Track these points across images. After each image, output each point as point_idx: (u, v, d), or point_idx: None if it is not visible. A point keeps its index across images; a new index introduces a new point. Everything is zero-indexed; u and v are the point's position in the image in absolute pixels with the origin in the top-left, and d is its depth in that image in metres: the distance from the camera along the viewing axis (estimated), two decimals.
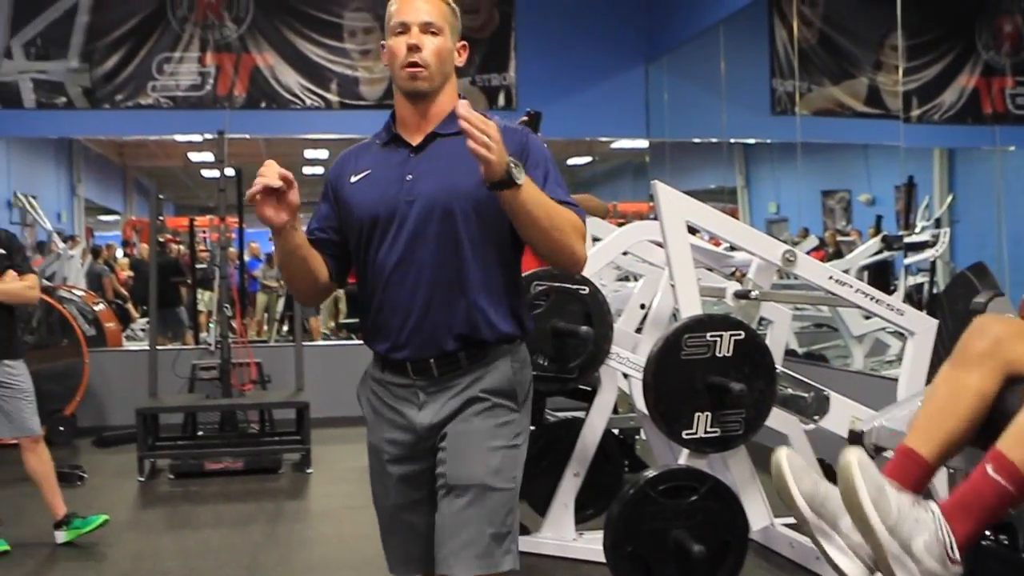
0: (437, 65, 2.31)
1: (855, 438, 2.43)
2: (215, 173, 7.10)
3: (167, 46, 8.57)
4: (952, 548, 1.88)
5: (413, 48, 2.29)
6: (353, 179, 2.36)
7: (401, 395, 2.34)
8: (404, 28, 2.31)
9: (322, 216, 2.42)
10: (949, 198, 7.03)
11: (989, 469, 1.88)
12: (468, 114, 1.98)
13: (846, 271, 5.28)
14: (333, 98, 8.79)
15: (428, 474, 2.32)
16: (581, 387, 4.71)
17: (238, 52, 8.65)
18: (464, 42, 2.42)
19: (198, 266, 8.89)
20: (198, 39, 8.61)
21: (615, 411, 4.73)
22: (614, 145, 9.94)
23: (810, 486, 2.01)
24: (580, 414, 4.69)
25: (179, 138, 9.53)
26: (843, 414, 3.71)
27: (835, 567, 2.01)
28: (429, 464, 2.31)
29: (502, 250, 2.31)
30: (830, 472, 2.15)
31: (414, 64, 2.29)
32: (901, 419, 2.36)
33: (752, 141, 8.91)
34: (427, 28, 2.31)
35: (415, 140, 2.35)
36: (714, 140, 8.79)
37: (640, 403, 4.09)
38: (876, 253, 6.93)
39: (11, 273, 4.74)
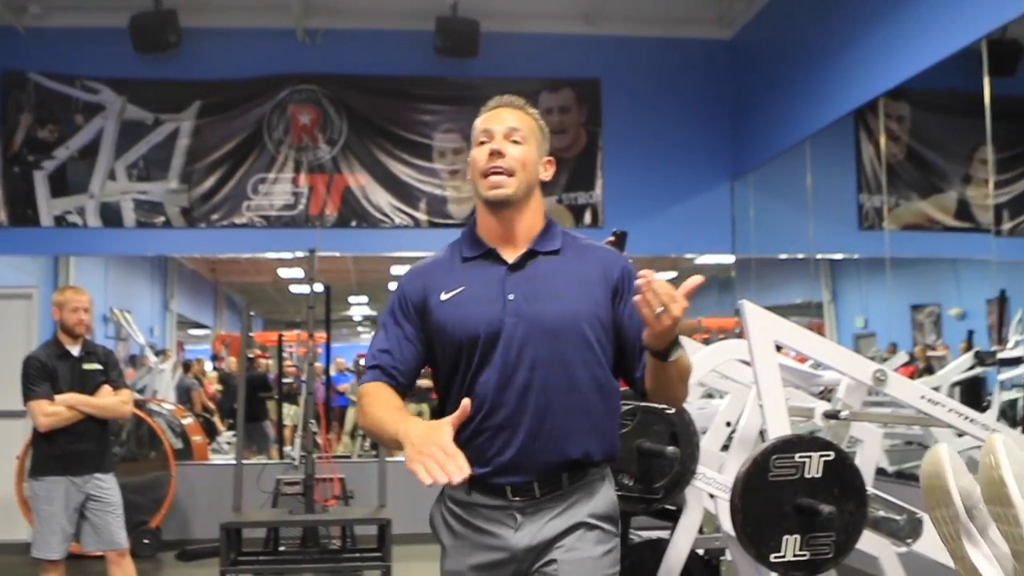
0: (520, 173, 2.24)
1: None
2: (304, 289, 7.26)
3: (263, 167, 8.87)
4: None
5: (495, 154, 2.23)
6: (443, 296, 2.25)
7: (493, 516, 2.24)
8: (488, 136, 2.26)
9: (404, 337, 2.29)
10: None
11: None
12: (656, 284, 1.93)
13: (937, 388, 5.18)
14: (422, 217, 8.99)
15: None
16: (666, 506, 4.65)
17: (331, 173, 8.92)
18: (551, 157, 2.36)
19: (285, 380, 8.97)
20: (292, 160, 8.91)
21: (700, 531, 4.65)
22: (698, 261, 9.93)
23: (967, 484, 1.93)
24: (664, 534, 4.61)
25: (270, 255, 9.73)
26: (936, 537, 3.59)
27: (976, 574, 1.93)
28: None
29: (607, 373, 2.27)
30: None
31: (496, 170, 2.23)
32: None
33: (839, 256, 8.85)
34: (511, 134, 2.26)
35: (509, 257, 2.27)
36: (800, 256, 8.75)
37: (726, 524, 4.02)
38: (968, 369, 6.78)
39: (106, 388, 4.87)
